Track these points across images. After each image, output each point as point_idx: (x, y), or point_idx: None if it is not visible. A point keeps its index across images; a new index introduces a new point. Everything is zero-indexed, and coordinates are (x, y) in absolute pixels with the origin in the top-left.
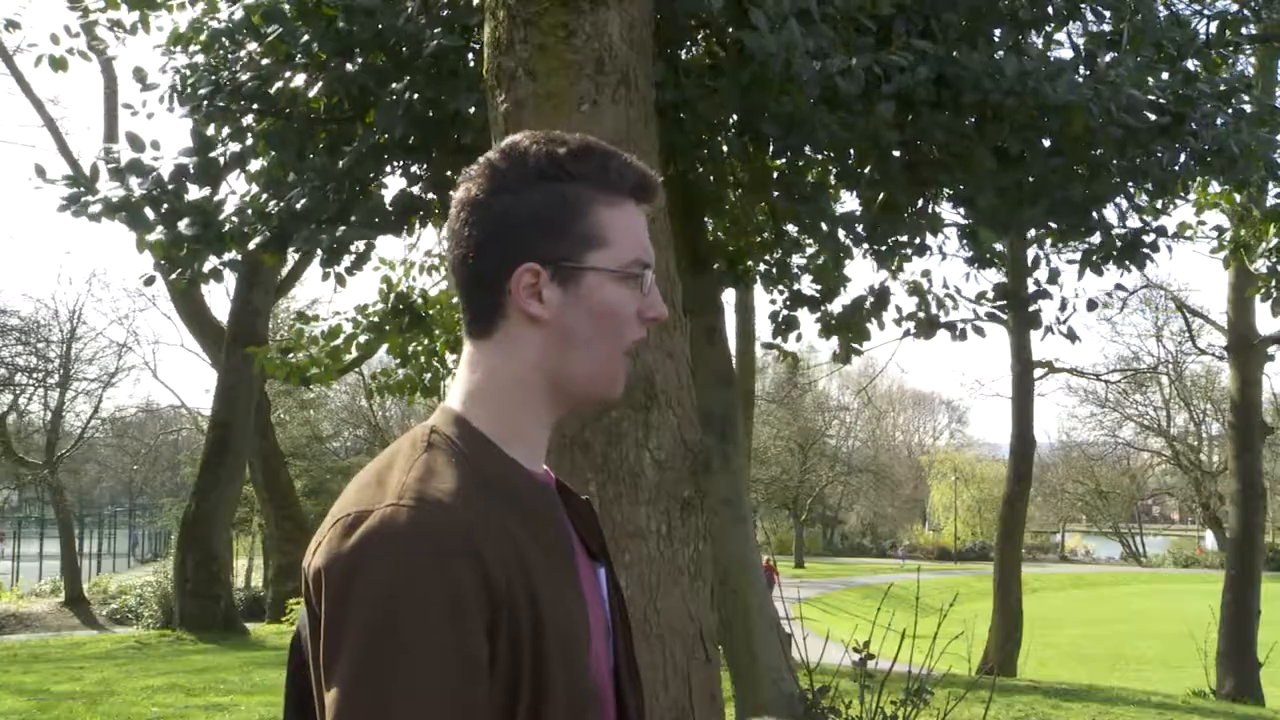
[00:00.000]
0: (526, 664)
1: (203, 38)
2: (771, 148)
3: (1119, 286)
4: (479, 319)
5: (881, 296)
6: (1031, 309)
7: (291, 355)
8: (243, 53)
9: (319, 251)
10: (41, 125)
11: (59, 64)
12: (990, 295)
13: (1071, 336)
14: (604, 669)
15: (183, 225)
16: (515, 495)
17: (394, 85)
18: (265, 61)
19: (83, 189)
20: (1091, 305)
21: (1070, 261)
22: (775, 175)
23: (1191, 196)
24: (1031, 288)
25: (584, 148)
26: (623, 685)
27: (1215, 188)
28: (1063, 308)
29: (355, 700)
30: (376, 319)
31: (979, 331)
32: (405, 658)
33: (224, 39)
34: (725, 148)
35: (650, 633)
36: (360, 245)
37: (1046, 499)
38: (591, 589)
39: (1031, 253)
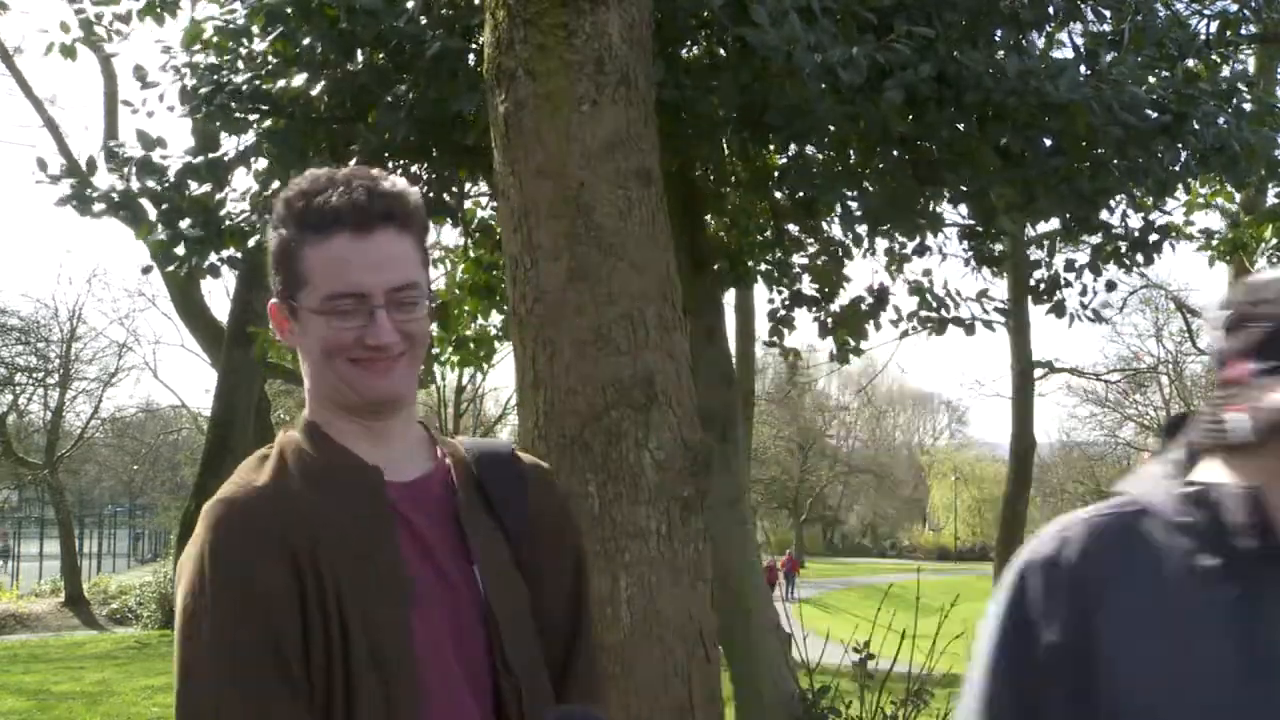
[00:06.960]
0: (323, 609)
1: (206, 36)
2: (775, 142)
3: (1131, 270)
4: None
5: (881, 296)
6: (1056, 298)
7: None
8: (244, 51)
9: None
10: (41, 125)
11: (69, 51)
12: (992, 295)
13: (1099, 318)
14: (451, 644)
15: (184, 224)
16: (332, 478)
17: (396, 87)
18: (262, 58)
19: (83, 184)
20: (1111, 286)
21: (1070, 261)
22: (778, 173)
23: (1184, 197)
24: (1045, 281)
25: (300, 192)
26: (499, 672)
27: (1206, 190)
28: (1083, 293)
29: (182, 638)
30: None
31: (989, 326)
32: (205, 598)
33: (229, 40)
34: (726, 146)
35: (650, 633)
36: None
37: (1046, 499)
38: (457, 570)
39: (1039, 249)
